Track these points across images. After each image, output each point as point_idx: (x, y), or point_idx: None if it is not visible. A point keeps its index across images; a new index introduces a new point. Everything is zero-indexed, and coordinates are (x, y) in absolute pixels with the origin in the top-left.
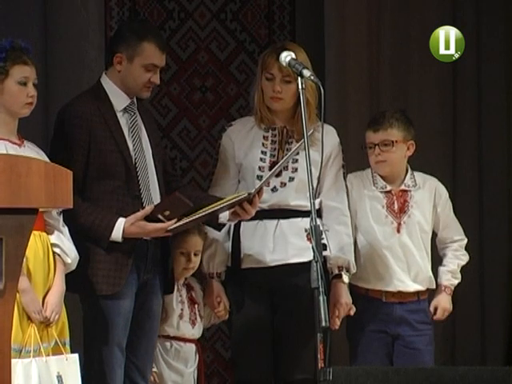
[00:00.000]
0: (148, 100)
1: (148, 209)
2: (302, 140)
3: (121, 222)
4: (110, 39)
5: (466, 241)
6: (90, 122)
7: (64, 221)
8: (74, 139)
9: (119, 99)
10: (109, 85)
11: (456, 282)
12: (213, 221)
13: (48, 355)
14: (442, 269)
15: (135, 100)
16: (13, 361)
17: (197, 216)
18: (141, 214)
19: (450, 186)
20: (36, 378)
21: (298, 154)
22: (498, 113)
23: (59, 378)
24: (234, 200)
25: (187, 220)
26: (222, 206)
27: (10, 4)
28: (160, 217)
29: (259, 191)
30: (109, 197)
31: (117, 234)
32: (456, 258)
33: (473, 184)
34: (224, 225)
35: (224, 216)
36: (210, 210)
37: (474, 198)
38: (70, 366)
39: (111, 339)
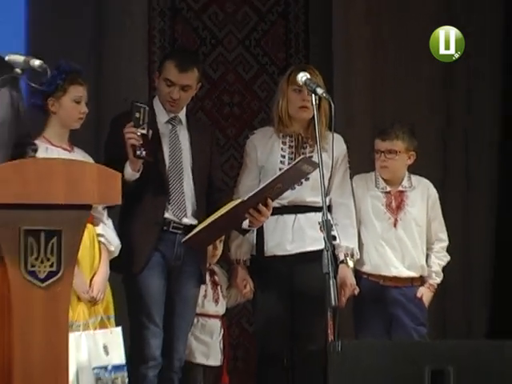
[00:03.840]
0: (185, 113)
1: None
2: (290, 166)
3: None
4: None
5: (447, 243)
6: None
7: None
8: (116, 144)
9: (161, 113)
10: (156, 101)
11: (439, 280)
12: (238, 228)
13: (95, 329)
14: (427, 269)
15: (181, 115)
16: None
17: (204, 225)
18: None
19: (439, 183)
20: (85, 349)
21: (312, 157)
22: (485, 112)
23: (105, 348)
24: (231, 207)
25: (198, 229)
26: (222, 213)
27: (68, 33)
28: None
29: (270, 195)
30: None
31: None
32: (438, 260)
33: (461, 181)
34: (248, 230)
35: (245, 223)
36: (212, 219)
37: (461, 193)
38: (114, 338)
39: (143, 313)
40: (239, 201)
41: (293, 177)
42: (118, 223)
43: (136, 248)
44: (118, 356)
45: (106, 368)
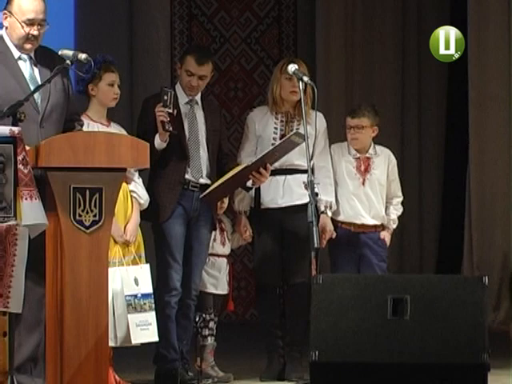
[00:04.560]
0: (200, 96)
1: None
2: (284, 139)
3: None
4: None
5: (402, 198)
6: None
7: None
8: (147, 119)
9: (182, 96)
10: (178, 86)
11: (395, 226)
12: (243, 186)
13: (128, 265)
14: (386, 217)
15: (197, 98)
16: None
17: (217, 184)
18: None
19: (398, 152)
20: (119, 281)
21: (298, 128)
22: (435, 91)
23: (136, 280)
24: (239, 170)
25: (212, 187)
26: (231, 175)
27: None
28: None
29: (268, 161)
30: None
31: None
32: (395, 211)
33: (415, 146)
34: (251, 188)
35: (249, 183)
36: (223, 180)
37: (416, 158)
38: (143, 272)
39: (168, 253)
40: (245, 165)
41: (286, 147)
42: (148, 183)
43: (162, 202)
44: (147, 286)
45: (136, 296)
